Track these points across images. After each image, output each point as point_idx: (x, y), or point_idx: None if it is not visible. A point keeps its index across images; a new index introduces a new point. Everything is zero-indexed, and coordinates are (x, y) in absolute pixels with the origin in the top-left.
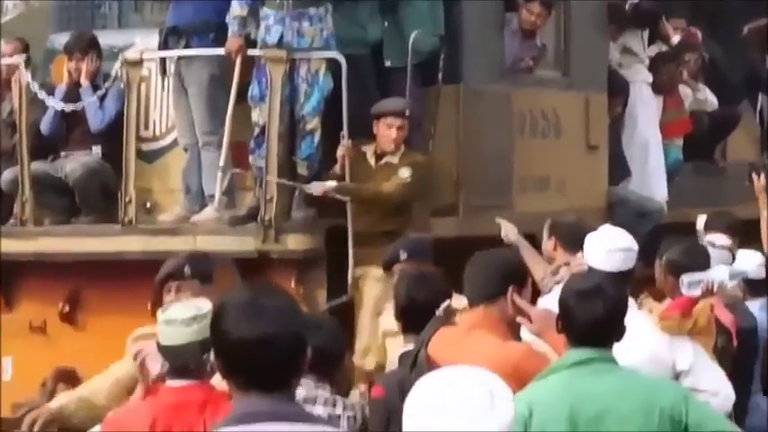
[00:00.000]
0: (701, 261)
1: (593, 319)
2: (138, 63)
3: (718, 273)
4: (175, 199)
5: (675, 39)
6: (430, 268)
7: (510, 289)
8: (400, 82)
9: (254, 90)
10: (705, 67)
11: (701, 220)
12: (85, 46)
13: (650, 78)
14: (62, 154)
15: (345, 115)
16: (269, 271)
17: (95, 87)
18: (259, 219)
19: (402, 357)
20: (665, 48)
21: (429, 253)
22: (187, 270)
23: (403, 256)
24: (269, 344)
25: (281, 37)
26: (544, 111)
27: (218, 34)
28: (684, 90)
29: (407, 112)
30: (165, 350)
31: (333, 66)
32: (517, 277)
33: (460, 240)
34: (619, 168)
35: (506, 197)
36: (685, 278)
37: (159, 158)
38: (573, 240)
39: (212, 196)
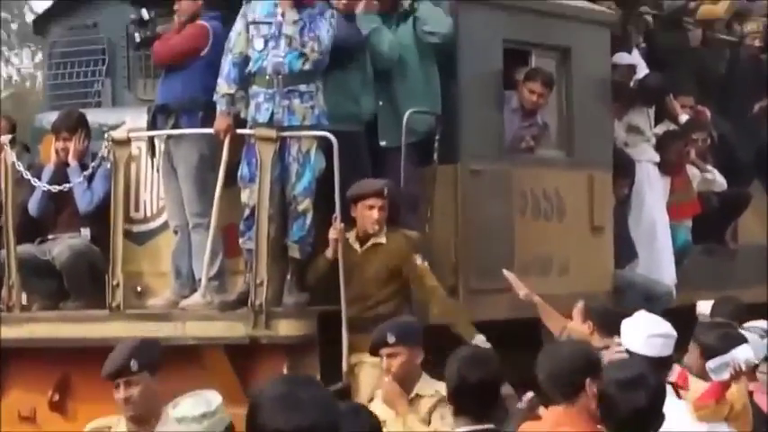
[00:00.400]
0: (726, 344)
1: (636, 409)
2: (126, 142)
3: (742, 352)
4: (166, 283)
5: (683, 117)
6: (420, 353)
7: (588, 381)
8: (396, 161)
9: (243, 170)
10: (714, 146)
11: (703, 306)
12: (73, 125)
13: (657, 158)
14: (50, 236)
15: (338, 196)
16: (260, 357)
17: (84, 167)
18: (249, 304)
19: None
20: (672, 126)
21: (419, 336)
22: (134, 364)
23: (391, 339)
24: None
25: (272, 115)
26: (546, 191)
27: (208, 112)
28: (692, 170)
29: (386, 192)
30: None
31: (324, 144)
32: (594, 368)
33: None
34: (625, 251)
35: (507, 280)
36: (711, 363)
37: (150, 240)
38: (609, 324)
39: (200, 280)
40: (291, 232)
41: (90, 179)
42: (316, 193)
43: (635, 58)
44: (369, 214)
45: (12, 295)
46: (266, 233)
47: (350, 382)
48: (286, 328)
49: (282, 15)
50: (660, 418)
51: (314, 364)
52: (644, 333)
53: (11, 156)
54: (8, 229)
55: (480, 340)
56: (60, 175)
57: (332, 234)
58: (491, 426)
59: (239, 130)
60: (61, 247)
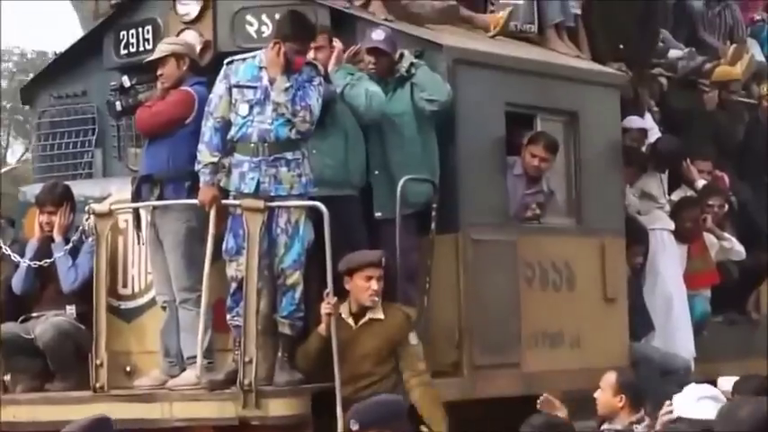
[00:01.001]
0: None
1: None
2: (107, 215)
3: None
4: (155, 361)
5: (700, 183)
6: None
7: None
8: (392, 232)
9: (229, 243)
10: (733, 213)
11: (724, 383)
12: (58, 198)
13: (672, 225)
14: (34, 314)
15: (330, 268)
16: None
17: (69, 242)
18: (238, 383)
19: None
20: (689, 192)
21: (393, 417)
22: None
23: (354, 426)
24: None
25: (258, 184)
26: (555, 260)
27: (195, 182)
28: (710, 238)
29: (383, 262)
30: None
31: (314, 214)
32: None
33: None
34: (641, 322)
35: (514, 355)
36: None
37: (138, 318)
38: (640, 398)
39: (191, 358)
40: (281, 307)
41: (75, 255)
42: (306, 264)
43: (647, 121)
44: (366, 286)
45: None
46: (255, 309)
47: None
48: (277, 407)
49: (271, 81)
50: None
51: None
52: (695, 395)
53: None
54: None
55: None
56: (44, 250)
57: (324, 309)
58: None
59: (225, 201)
60: (44, 325)
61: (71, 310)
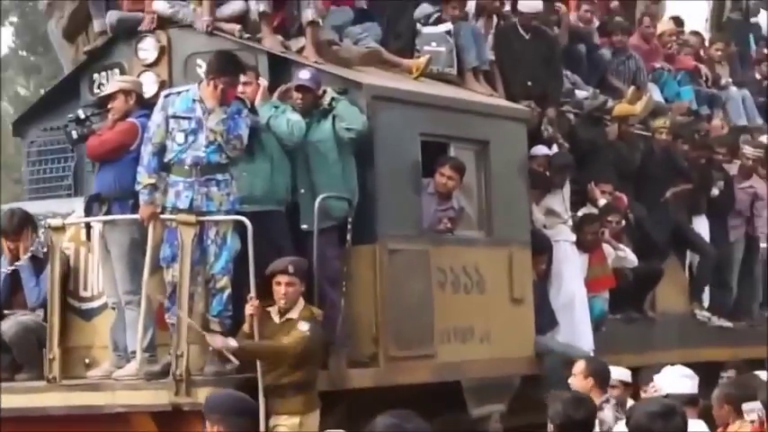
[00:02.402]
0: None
1: None
2: (61, 229)
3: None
4: (108, 355)
5: (602, 202)
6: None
7: None
8: (324, 244)
9: (165, 251)
10: (630, 228)
11: (617, 373)
12: (17, 226)
13: (573, 237)
14: (6, 313)
15: (252, 275)
16: (183, 422)
17: (35, 258)
18: (171, 374)
19: None
20: (593, 210)
21: (225, 409)
22: None
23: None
24: None
25: (191, 202)
26: (466, 267)
27: (137, 201)
28: (608, 249)
29: (292, 269)
30: None
31: (240, 227)
32: None
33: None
34: (546, 320)
35: (428, 348)
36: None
37: (96, 317)
38: (605, 381)
39: (134, 352)
40: (211, 308)
41: (40, 266)
42: (235, 271)
43: (554, 150)
44: (277, 290)
45: None
46: (186, 308)
47: None
48: (206, 395)
49: (205, 113)
50: None
51: None
52: (676, 374)
53: None
54: None
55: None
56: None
57: (247, 310)
58: None
59: (163, 216)
60: (10, 322)
61: (39, 312)
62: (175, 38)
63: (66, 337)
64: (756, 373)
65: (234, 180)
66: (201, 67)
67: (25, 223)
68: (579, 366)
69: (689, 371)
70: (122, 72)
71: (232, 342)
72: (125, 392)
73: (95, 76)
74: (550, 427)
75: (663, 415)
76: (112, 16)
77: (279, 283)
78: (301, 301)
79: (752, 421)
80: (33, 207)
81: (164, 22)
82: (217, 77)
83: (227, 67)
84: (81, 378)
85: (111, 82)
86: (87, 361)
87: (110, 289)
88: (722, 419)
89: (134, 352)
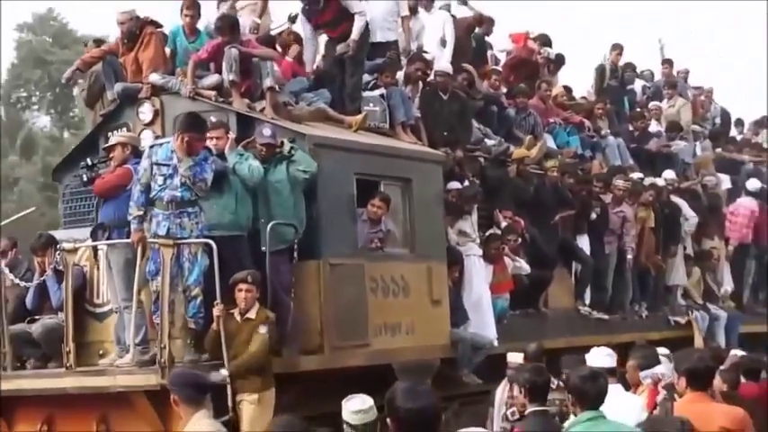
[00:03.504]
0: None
1: (602, 392)
2: (73, 251)
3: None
4: (114, 348)
5: (504, 224)
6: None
7: None
8: (272, 260)
9: (150, 267)
10: (526, 244)
11: (513, 357)
12: (42, 245)
13: (480, 252)
14: (37, 318)
15: (218, 286)
16: (168, 399)
17: (58, 271)
18: (157, 362)
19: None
20: (495, 230)
21: (181, 383)
22: None
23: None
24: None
25: (168, 229)
26: (394, 276)
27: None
28: (507, 261)
29: (250, 279)
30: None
31: (209, 249)
32: None
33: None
34: (459, 316)
35: (363, 338)
36: (642, 374)
37: (106, 318)
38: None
39: (136, 345)
40: (187, 310)
41: (61, 281)
42: (205, 283)
43: (465, 185)
44: (238, 295)
45: (5, 359)
46: (167, 312)
47: (233, 414)
48: None
49: (179, 161)
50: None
51: (207, 404)
52: (600, 353)
53: (3, 267)
54: (2, 316)
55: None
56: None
57: (215, 313)
58: None
59: (148, 240)
60: (38, 324)
61: (62, 315)
62: (167, 102)
63: (85, 334)
64: (657, 348)
65: (203, 212)
66: None
67: (49, 244)
68: (518, 357)
69: (609, 350)
70: (128, 130)
71: (224, 371)
72: (124, 377)
73: (109, 134)
74: (518, 389)
75: (591, 378)
76: (118, 87)
77: (240, 290)
78: (257, 305)
79: (649, 384)
80: (59, 234)
81: (157, 91)
82: (183, 133)
83: (191, 125)
84: (93, 365)
85: (112, 137)
86: (101, 352)
87: (113, 297)
88: (634, 382)
89: (136, 345)
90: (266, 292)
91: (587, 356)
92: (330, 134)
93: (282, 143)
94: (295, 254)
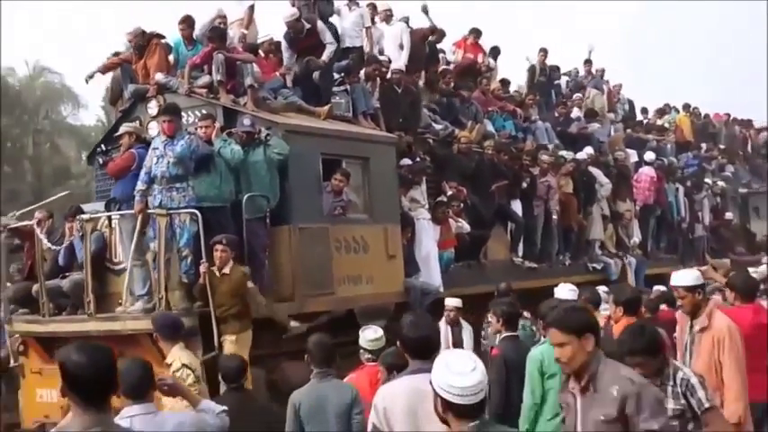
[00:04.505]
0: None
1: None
2: (90, 221)
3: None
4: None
5: (449, 192)
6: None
7: None
8: (251, 226)
9: (149, 233)
10: (467, 209)
11: (450, 301)
12: (72, 215)
13: (429, 216)
14: (68, 275)
15: (203, 247)
16: None
17: (83, 237)
18: (157, 309)
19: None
20: (443, 198)
21: (160, 324)
22: None
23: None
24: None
25: (161, 201)
26: (355, 237)
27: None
28: (452, 222)
29: (224, 242)
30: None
31: (196, 217)
32: None
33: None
34: (412, 268)
35: (329, 288)
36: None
37: (122, 274)
38: (513, 321)
39: (140, 296)
40: (180, 267)
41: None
42: (193, 245)
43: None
44: (216, 255)
45: (43, 308)
46: (162, 268)
47: (219, 351)
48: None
49: (163, 145)
50: None
51: (198, 342)
52: (565, 289)
53: (40, 235)
54: (40, 273)
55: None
56: (70, 244)
57: (201, 269)
58: None
59: (148, 211)
60: (67, 280)
61: None
62: (169, 99)
63: (107, 286)
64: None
65: (191, 187)
66: (185, 117)
67: (77, 213)
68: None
69: (572, 286)
70: (140, 123)
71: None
72: (132, 322)
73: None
74: (495, 318)
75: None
76: (131, 88)
77: (217, 250)
78: (231, 262)
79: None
80: (88, 207)
81: (161, 89)
82: (159, 116)
83: (165, 110)
84: (110, 313)
85: (121, 127)
86: (119, 301)
87: (125, 257)
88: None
89: (140, 296)
90: (243, 252)
91: (555, 290)
92: (299, 122)
93: (260, 130)
94: (267, 221)
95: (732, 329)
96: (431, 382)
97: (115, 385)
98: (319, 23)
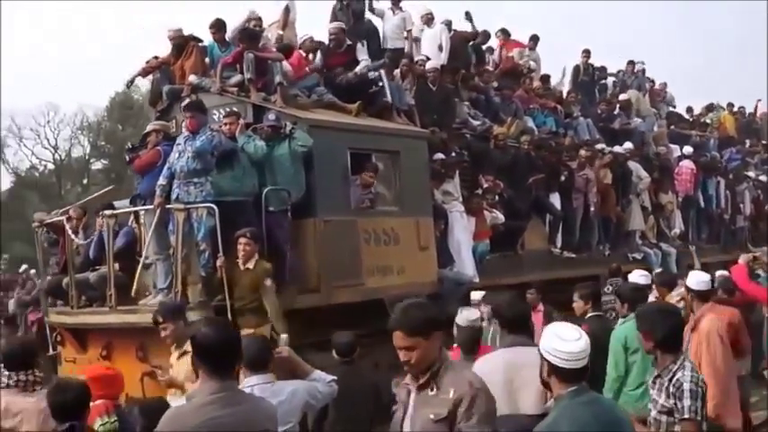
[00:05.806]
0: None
1: (645, 300)
2: (112, 216)
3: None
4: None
5: (486, 185)
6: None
7: None
8: (275, 219)
9: (168, 227)
10: (503, 201)
11: (475, 295)
12: (103, 209)
13: (462, 208)
14: (97, 268)
15: (220, 241)
16: None
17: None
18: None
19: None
20: (479, 191)
21: (166, 311)
22: None
23: (159, 318)
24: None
25: (178, 195)
26: (385, 229)
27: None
28: (487, 214)
29: (249, 235)
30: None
31: (213, 211)
32: None
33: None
34: (446, 258)
35: (358, 279)
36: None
37: (151, 267)
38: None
39: (161, 289)
40: (198, 262)
41: (115, 237)
42: (211, 239)
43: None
44: (239, 248)
45: (72, 300)
46: (181, 261)
47: None
48: (195, 315)
49: (184, 141)
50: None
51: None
52: (638, 275)
53: (69, 231)
54: (71, 267)
55: (283, 339)
56: (99, 238)
57: (218, 263)
58: None
59: (167, 206)
60: (94, 273)
61: (115, 265)
62: (202, 98)
63: (138, 280)
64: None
65: (209, 182)
66: (216, 114)
67: (106, 209)
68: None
69: (645, 272)
70: (176, 122)
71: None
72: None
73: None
74: (582, 300)
75: (637, 290)
76: (166, 88)
77: (240, 244)
78: (256, 256)
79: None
80: (119, 203)
81: (195, 89)
82: (185, 112)
83: (187, 106)
84: (133, 304)
85: (148, 125)
86: (147, 293)
87: (150, 251)
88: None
89: (161, 289)
90: (268, 245)
91: (629, 276)
92: (325, 118)
93: (285, 125)
94: (289, 214)
95: (711, 333)
96: (539, 349)
97: (239, 357)
98: (359, 45)
